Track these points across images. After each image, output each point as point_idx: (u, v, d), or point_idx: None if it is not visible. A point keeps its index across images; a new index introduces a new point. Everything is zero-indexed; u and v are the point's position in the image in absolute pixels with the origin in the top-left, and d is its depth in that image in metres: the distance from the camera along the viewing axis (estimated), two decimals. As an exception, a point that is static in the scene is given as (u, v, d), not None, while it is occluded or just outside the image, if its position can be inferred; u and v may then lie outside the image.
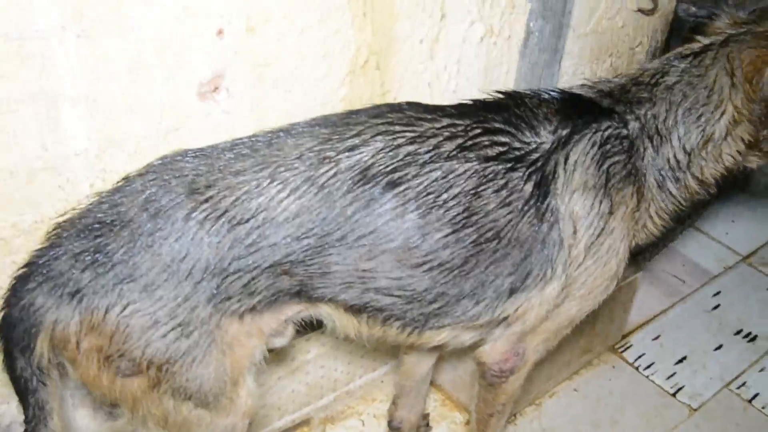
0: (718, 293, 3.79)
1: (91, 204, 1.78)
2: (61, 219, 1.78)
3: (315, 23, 2.04)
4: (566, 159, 1.98)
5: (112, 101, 1.85)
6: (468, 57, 2.44)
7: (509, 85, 2.57)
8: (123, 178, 1.80)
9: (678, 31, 3.02)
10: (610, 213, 2.02)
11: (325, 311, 2.00)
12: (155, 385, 1.78)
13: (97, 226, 1.72)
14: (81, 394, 2.18)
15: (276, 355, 2.65)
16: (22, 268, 1.75)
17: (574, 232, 1.99)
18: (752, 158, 2.17)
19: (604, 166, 2.01)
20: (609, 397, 3.17)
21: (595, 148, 2.01)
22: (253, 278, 1.77)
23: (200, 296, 1.73)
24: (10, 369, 1.80)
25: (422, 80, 2.38)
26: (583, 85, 2.20)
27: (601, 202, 2.00)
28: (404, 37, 2.25)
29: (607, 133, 2.03)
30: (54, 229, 1.76)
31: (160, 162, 1.81)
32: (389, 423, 2.88)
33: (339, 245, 1.79)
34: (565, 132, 2.01)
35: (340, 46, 2.13)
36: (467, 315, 2.01)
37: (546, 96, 2.11)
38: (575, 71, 2.77)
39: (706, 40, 2.13)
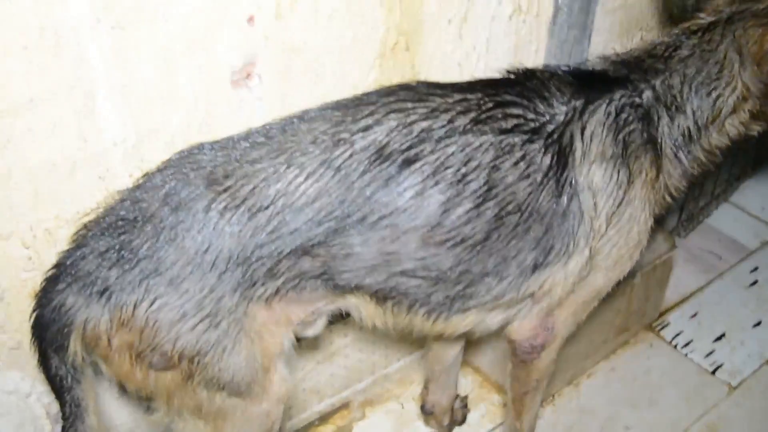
0: (755, 269, 3.74)
1: (114, 202, 1.80)
2: (86, 218, 1.81)
3: (343, 6, 2.05)
4: (582, 130, 1.97)
5: (147, 91, 1.87)
6: (497, 35, 2.44)
7: (539, 63, 2.55)
8: (143, 175, 1.82)
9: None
10: (630, 182, 2.01)
11: (351, 302, 2.01)
12: (188, 377, 1.81)
13: (120, 223, 1.75)
14: (117, 389, 2.21)
15: (314, 340, 2.67)
16: (51, 269, 1.79)
17: (595, 204, 1.98)
18: (755, 127, 2.17)
19: (621, 135, 2.00)
20: (647, 376, 3.16)
21: (611, 117, 2.00)
22: (276, 263, 1.78)
23: (226, 286, 1.75)
24: (46, 368, 1.84)
25: (452, 60, 2.38)
26: (597, 59, 2.20)
27: (619, 172, 1.99)
28: (433, 18, 2.25)
29: (621, 102, 2.02)
30: (80, 229, 1.80)
31: (178, 156, 1.83)
32: (422, 407, 2.89)
33: (360, 227, 1.79)
34: (579, 102, 2.00)
35: (368, 28, 2.13)
36: (492, 294, 2.00)
37: (558, 71, 2.10)
38: (606, 47, 2.74)
39: (709, 17, 2.12)
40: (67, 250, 1.78)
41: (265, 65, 2.01)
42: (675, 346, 3.30)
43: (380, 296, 1.96)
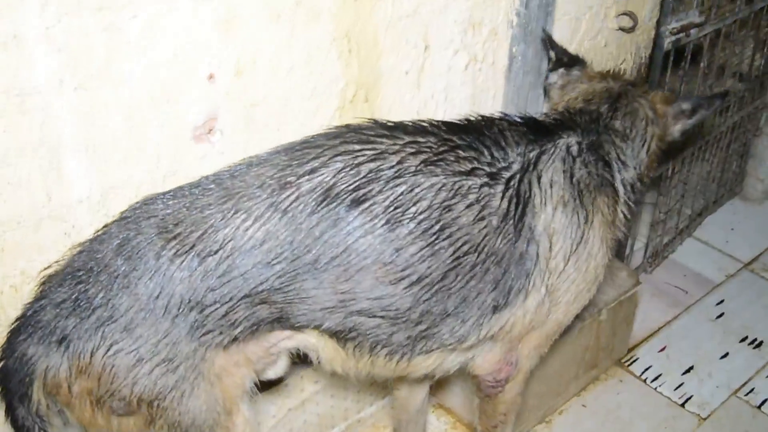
0: (721, 302, 3.82)
1: (72, 255, 1.85)
2: (47, 271, 1.86)
3: (302, 63, 2.12)
4: (539, 178, 2.04)
5: (111, 149, 1.93)
6: (454, 84, 2.51)
7: (497, 109, 2.63)
8: (102, 227, 1.87)
9: (660, 48, 3.09)
10: (587, 222, 2.09)
11: (310, 342, 2.04)
12: (150, 421, 1.85)
13: (77, 274, 1.80)
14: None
15: (285, 387, 2.70)
16: (15, 321, 1.83)
17: (550, 246, 2.04)
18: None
19: (576, 178, 2.09)
20: (618, 410, 3.20)
21: (566, 162, 2.09)
22: (230, 309, 1.81)
23: (180, 331, 1.79)
24: (13, 419, 1.89)
25: (411, 109, 2.45)
26: (546, 111, 2.35)
27: (577, 214, 2.07)
28: (390, 70, 2.33)
29: (576, 147, 2.13)
30: (41, 282, 1.84)
31: (132, 207, 1.88)
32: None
33: (313, 269, 1.83)
34: (533, 152, 2.08)
35: (327, 82, 2.20)
36: (454, 336, 2.04)
37: (513, 119, 2.17)
38: (561, 92, 2.84)
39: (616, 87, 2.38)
40: (29, 303, 1.83)
41: (227, 120, 2.07)
42: (644, 380, 3.34)
43: (341, 337, 1.99)
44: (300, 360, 2.20)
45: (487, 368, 2.24)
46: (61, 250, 1.92)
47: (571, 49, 2.73)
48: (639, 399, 3.26)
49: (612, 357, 3.37)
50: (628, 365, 3.41)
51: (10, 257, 1.90)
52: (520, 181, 2.03)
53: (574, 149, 2.13)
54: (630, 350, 3.48)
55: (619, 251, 3.54)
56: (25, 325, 1.80)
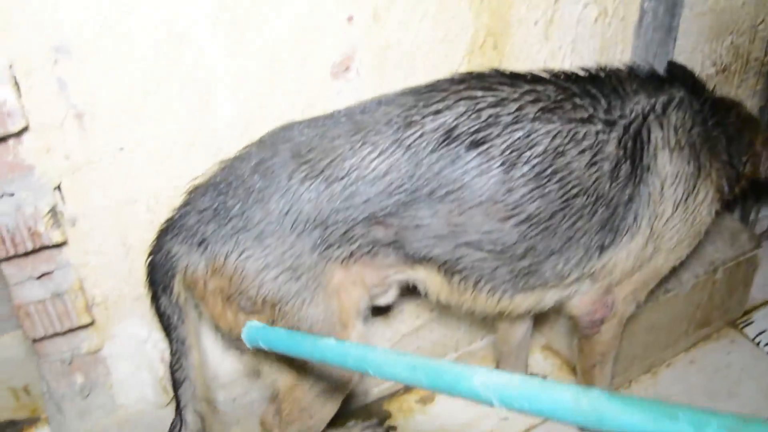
0: None
1: (216, 169, 2.08)
2: (194, 182, 2.10)
3: (434, 10, 2.25)
4: (660, 125, 2.11)
5: (256, 83, 2.13)
6: (583, 37, 2.58)
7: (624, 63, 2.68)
8: (243, 147, 2.09)
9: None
10: (699, 175, 2.16)
11: (419, 275, 2.19)
12: (272, 322, 2.04)
13: (219, 185, 2.03)
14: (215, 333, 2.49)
15: (401, 312, 2.89)
16: (164, 223, 2.10)
17: (662, 190, 2.12)
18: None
19: (693, 130, 2.15)
20: (727, 369, 3.21)
21: (685, 114, 2.15)
22: (350, 228, 1.99)
23: (304, 245, 1.98)
24: (156, 307, 2.16)
25: (538, 59, 2.54)
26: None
27: (691, 163, 2.14)
28: (519, 20, 2.42)
29: (695, 104, 2.18)
30: (188, 192, 2.09)
31: (271, 132, 2.08)
32: (493, 387, 3.03)
33: (429, 200, 1.97)
34: (652, 101, 2.14)
35: (457, 30, 2.33)
36: (556, 273, 2.15)
37: (636, 70, 2.25)
38: (694, 49, 2.84)
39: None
40: (177, 208, 2.09)
41: (362, 60, 2.24)
42: (758, 344, 3.33)
43: (447, 269, 2.13)
44: (409, 292, 2.36)
45: (583, 309, 2.36)
46: (207, 169, 2.16)
47: (705, 6, 2.74)
48: (750, 361, 3.25)
49: (726, 317, 3.38)
50: (742, 327, 3.41)
51: (165, 173, 2.16)
52: (637, 127, 2.10)
53: (696, 105, 2.18)
54: (746, 313, 3.46)
55: (744, 216, 3.52)
56: (172, 226, 2.07)
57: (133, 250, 2.22)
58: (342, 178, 1.96)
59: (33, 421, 2.85)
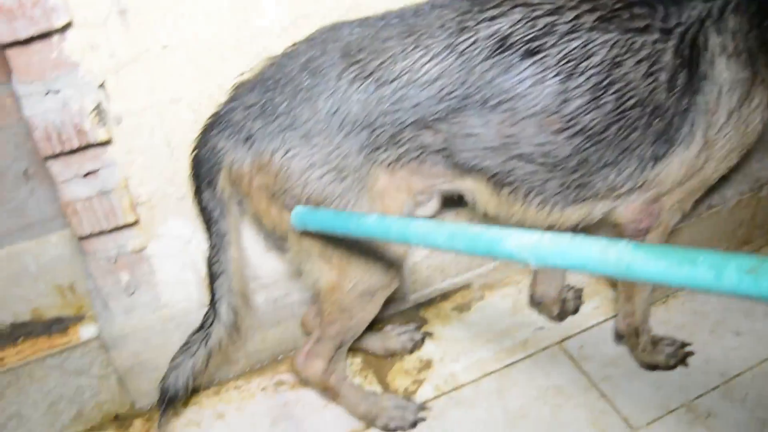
0: None
1: (263, 66, 2.07)
2: (240, 79, 2.09)
3: None
4: (717, 30, 2.04)
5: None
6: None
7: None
8: (290, 45, 2.06)
9: None
10: (754, 82, 2.09)
11: (467, 185, 2.18)
12: None
13: (267, 82, 2.02)
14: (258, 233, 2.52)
15: (442, 219, 2.90)
16: (209, 118, 2.10)
17: (718, 98, 2.07)
18: None
19: (752, 34, 2.07)
20: (767, 287, 3.20)
21: (744, 17, 2.07)
22: (398, 131, 1.98)
23: (351, 146, 1.98)
24: (199, 201, 2.19)
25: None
26: None
27: (748, 70, 2.07)
28: None
29: (753, 7, 2.09)
30: (235, 87, 2.09)
31: (321, 31, 2.06)
32: (531, 297, 3.07)
33: (481, 108, 1.95)
34: (710, 6, 2.06)
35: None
36: (607, 184, 2.13)
37: None
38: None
39: None
40: (223, 103, 2.09)
41: (410, -40, 2.19)
42: (800, 263, 3.30)
43: (497, 181, 2.12)
44: (455, 203, 2.37)
45: (629, 217, 2.33)
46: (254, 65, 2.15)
47: None
48: (791, 279, 3.23)
49: (767, 237, 3.34)
50: (784, 246, 3.38)
51: (209, 72, 2.16)
52: (695, 33, 2.04)
53: (752, 7, 2.10)
54: (788, 232, 3.43)
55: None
56: (218, 121, 2.08)
57: (177, 150, 2.24)
58: (392, 81, 1.94)
59: (78, 318, 2.92)
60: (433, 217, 2.42)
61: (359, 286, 2.23)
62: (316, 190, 2.02)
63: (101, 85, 2.05)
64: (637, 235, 2.37)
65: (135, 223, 2.32)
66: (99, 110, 2.04)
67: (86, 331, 2.82)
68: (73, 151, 2.09)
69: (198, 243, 2.47)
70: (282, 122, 1.98)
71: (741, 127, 2.15)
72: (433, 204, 2.33)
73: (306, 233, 2.10)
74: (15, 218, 2.67)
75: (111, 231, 2.30)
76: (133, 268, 2.44)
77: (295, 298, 2.77)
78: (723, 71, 2.06)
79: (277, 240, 2.21)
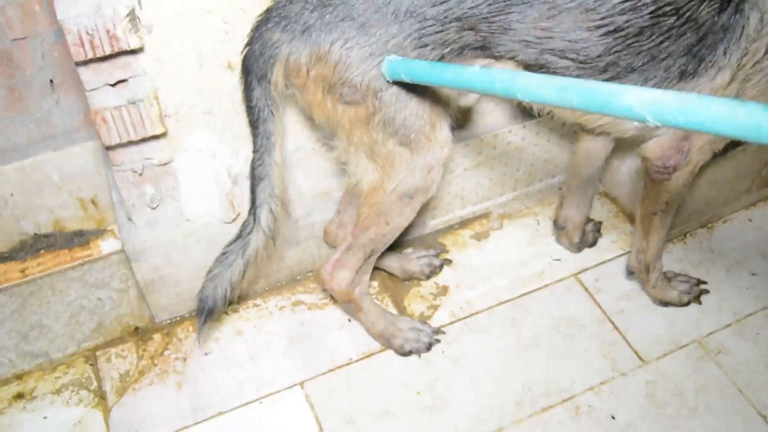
0: None
1: None
2: None
3: None
4: None
5: None
6: None
7: None
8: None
9: None
10: None
11: (507, 67, 2.16)
12: (370, 114, 2.10)
13: None
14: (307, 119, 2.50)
15: (466, 146, 2.91)
16: (262, 13, 2.10)
17: (760, 25, 2.04)
18: None
19: None
20: (784, 230, 3.22)
21: None
22: (443, 28, 1.99)
23: (405, 35, 1.99)
24: (248, 99, 2.21)
25: None
26: None
27: None
28: None
29: None
30: None
31: None
32: (555, 222, 3.09)
33: (521, 3, 1.96)
34: None
35: None
36: None
37: None
38: None
39: None
40: None
41: None
42: (820, 209, 3.31)
43: (533, 71, 2.13)
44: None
45: (658, 152, 2.35)
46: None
47: None
48: (809, 225, 3.25)
49: (791, 178, 3.34)
50: (806, 190, 3.38)
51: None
52: None
53: None
54: (811, 176, 3.42)
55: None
56: (272, 15, 2.09)
57: (207, 61, 2.23)
58: None
59: (100, 232, 2.96)
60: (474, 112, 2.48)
61: (400, 187, 2.26)
62: (374, 79, 2.04)
63: (134, -9, 2.03)
64: (664, 172, 2.37)
65: (163, 134, 2.32)
66: (132, 16, 2.03)
67: (107, 244, 2.86)
68: (104, 58, 2.09)
69: (222, 157, 2.48)
70: (339, 13, 2.00)
71: None
72: (475, 95, 2.36)
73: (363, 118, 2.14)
74: (39, 128, 2.68)
75: (139, 142, 2.30)
76: (159, 181, 2.45)
77: (316, 218, 2.79)
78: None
79: (324, 136, 2.22)
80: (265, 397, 2.62)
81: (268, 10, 2.10)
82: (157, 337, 2.82)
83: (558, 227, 3.07)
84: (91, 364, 2.73)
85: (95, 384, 2.67)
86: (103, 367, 2.72)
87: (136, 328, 2.83)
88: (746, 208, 3.27)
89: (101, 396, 2.63)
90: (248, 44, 2.14)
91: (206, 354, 2.75)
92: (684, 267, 3.02)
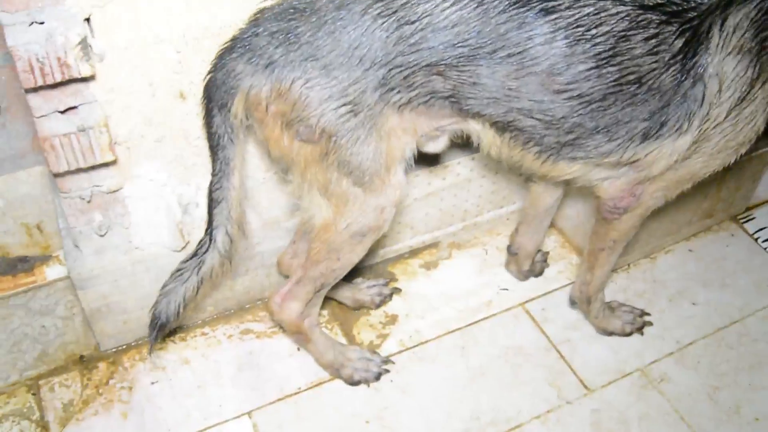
0: None
1: None
2: (263, 5, 2.08)
3: None
4: (724, 20, 2.06)
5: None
6: None
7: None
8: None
9: None
10: (758, 79, 2.11)
11: (473, 127, 2.24)
12: (324, 154, 2.11)
13: (291, 11, 2.03)
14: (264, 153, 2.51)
15: (444, 168, 2.96)
16: (227, 41, 2.10)
17: (719, 92, 2.10)
18: None
19: (761, 35, 2.08)
20: (723, 261, 3.29)
21: (758, 14, 2.07)
22: (412, 73, 2.02)
23: (369, 82, 2.01)
24: (209, 125, 2.21)
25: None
26: None
27: (750, 69, 2.09)
28: None
29: (766, 8, 2.09)
30: (257, 12, 2.09)
31: None
32: (508, 248, 3.12)
33: (489, 58, 2.00)
34: None
35: None
36: (599, 150, 2.20)
37: None
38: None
39: None
40: (243, 27, 2.09)
41: None
42: (756, 240, 3.40)
43: (499, 128, 2.19)
44: (461, 142, 2.41)
45: (612, 193, 2.41)
46: (246, 11, 2.12)
47: None
48: (746, 255, 3.33)
49: (729, 211, 3.43)
50: (743, 222, 3.47)
51: (195, 11, 2.14)
52: (703, 20, 2.06)
53: (765, 8, 2.12)
54: (748, 209, 3.53)
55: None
56: (237, 45, 2.08)
57: (159, 90, 2.23)
58: (413, 22, 1.98)
59: (45, 258, 2.90)
60: (441, 153, 2.51)
61: (353, 226, 2.28)
62: (330, 122, 2.05)
63: (87, 19, 2.01)
64: (614, 212, 2.45)
65: (113, 162, 2.30)
66: (84, 44, 2.02)
67: (52, 271, 2.80)
68: (54, 85, 2.07)
69: (173, 186, 2.47)
70: (305, 51, 2.00)
71: (739, 126, 2.19)
72: (442, 142, 2.38)
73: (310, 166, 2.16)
74: (-16, 153, 2.63)
75: (88, 169, 2.28)
76: (107, 208, 2.43)
77: (265, 248, 2.79)
78: (727, 66, 2.08)
79: (281, 170, 2.23)
80: (213, 426, 2.60)
81: (234, 39, 2.10)
82: (102, 365, 2.77)
83: (511, 253, 3.11)
84: (34, 394, 2.68)
85: (37, 414, 2.62)
86: (46, 396, 2.67)
87: (81, 357, 2.78)
88: (687, 239, 3.36)
89: (43, 426, 2.58)
90: (211, 71, 2.14)
91: (153, 383, 2.71)
92: (627, 296, 3.09)
